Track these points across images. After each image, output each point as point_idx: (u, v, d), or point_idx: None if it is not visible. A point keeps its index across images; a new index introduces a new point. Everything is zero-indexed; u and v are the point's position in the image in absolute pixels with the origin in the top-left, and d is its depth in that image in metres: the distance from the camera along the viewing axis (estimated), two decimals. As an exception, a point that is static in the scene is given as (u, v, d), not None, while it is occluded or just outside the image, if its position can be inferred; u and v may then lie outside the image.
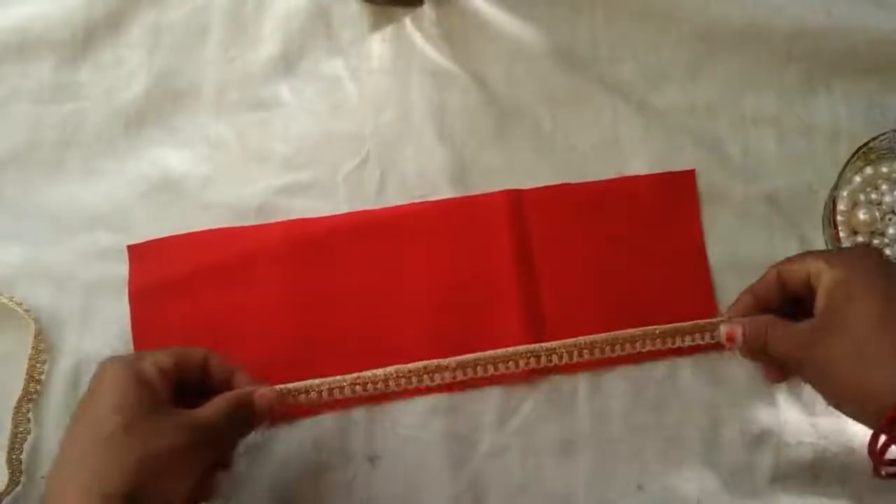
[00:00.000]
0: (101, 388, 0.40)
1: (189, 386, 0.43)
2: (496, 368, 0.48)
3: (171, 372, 0.42)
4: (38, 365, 0.49)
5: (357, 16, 0.54)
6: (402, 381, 0.48)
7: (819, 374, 0.44)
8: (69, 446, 0.39)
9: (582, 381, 0.51)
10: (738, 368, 0.51)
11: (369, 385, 0.47)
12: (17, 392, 0.48)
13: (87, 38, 0.53)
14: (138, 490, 0.37)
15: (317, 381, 0.47)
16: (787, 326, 0.45)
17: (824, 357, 0.42)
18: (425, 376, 0.48)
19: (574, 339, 0.49)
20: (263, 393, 0.44)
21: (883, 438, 0.40)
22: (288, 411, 0.49)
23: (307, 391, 0.46)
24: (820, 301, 0.44)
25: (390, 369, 0.47)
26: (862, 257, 0.44)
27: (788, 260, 0.47)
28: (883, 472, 0.41)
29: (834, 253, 0.46)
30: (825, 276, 0.44)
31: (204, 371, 0.44)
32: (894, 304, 0.41)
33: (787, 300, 0.47)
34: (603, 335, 0.49)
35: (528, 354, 0.49)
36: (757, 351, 0.47)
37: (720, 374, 0.51)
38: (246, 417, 0.43)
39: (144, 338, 0.50)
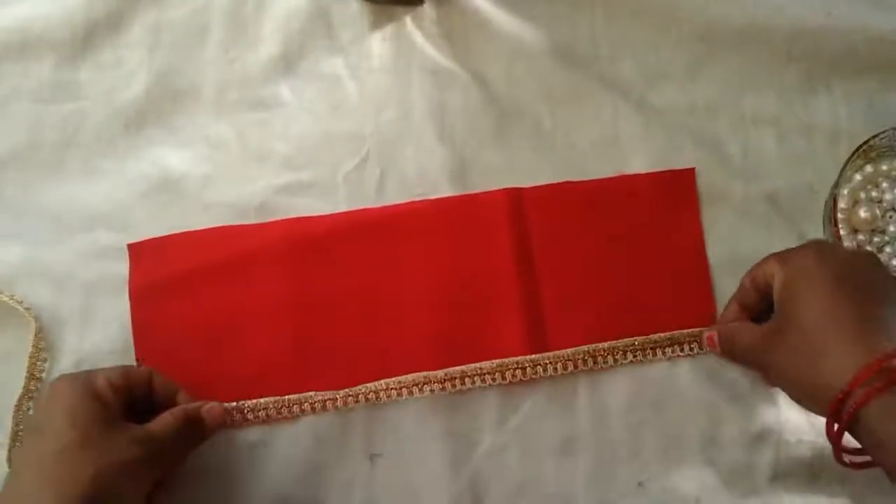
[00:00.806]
0: (56, 403, 0.41)
1: (137, 403, 0.44)
2: (483, 380, 0.50)
3: (122, 388, 0.43)
4: (38, 363, 0.49)
5: (357, 15, 0.54)
6: (394, 392, 0.49)
7: (779, 372, 0.45)
8: (25, 459, 0.40)
9: (581, 381, 0.51)
10: (738, 368, 0.51)
11: (360, 397, 0.49)
12: (17, 390, 0.48)
13: (88, 38, 0.53)
14: (93, 502, 0.38)
15: (311, 393, 0.49)
16: (751, 330, 0.46)
17: (781, 355, 0.44)
18: (415, 388, 0.49)
19: (561, 352, 0.50)
20: (212, 407, 0.46)
21: (836, 426, 0.41)
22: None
23: (300, 403, 0.49)
24: (775, 301, 0.45)
25: (381, 382, 0.49)
26: (809, 251, 0.45)
27: (756, 265, 0.48)
28: (847, 461, 0.42)
29: (787, 252, 0.47)
30: (777, 277, 0.45)
31: (150, 389, 0.45)
32: (840, 291, 0.42)
33: (769, 304, 0.47)
34: (586, 346, 0.50)
35: (515, 366, 0.50)
36: (732, 356, 0.48)
37: (720, 374, 0.51)
38: (194, 432, 0.45)
39: (144, 336, 0.50)
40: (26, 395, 0.48)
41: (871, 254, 0.47)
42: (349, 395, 0.49)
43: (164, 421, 0.43)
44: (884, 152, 0.52)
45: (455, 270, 0.51)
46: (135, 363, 0.49)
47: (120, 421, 0.42)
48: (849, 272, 0.43)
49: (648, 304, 0.51)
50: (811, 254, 0.45)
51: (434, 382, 0.50)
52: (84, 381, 0.42)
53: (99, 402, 0.41)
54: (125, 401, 0.43)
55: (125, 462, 0.40)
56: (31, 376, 0.49)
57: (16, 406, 0.48)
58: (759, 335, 0.46)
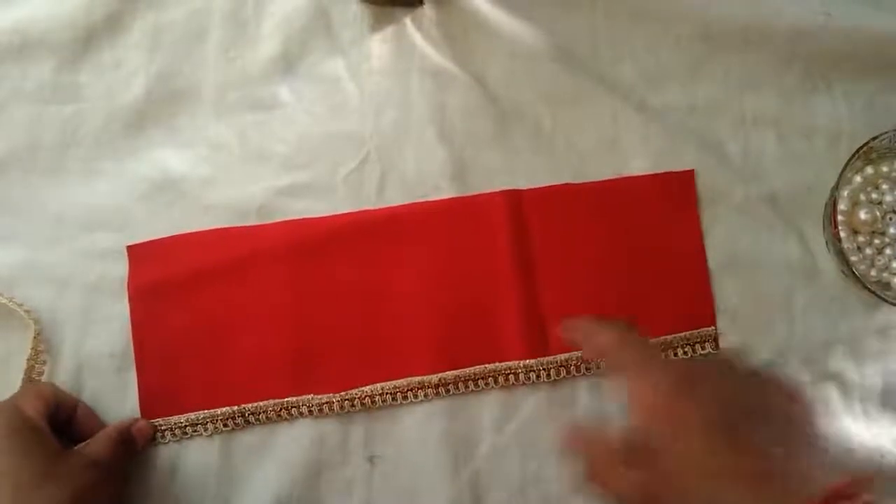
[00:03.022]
0: None
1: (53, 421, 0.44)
2: (477, 385, 0.50)
3: (46, 412, 0.43)
4: (36, 366, 0.49)
5: (357, 16, 0.54)
6: (389, 397, 0.50)
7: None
8: None
9: (582, 382, 0.51)
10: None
11: (357, 401, 0.49)
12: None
13: (88, 40, 0.53)
14: None
15: (309, 396, 0.49)
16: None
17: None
18: (410, 393, 0.50)
19: (555, 357, 0.50)
20: (141, 426, 0.47)
21: None
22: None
23: (298, 406, 0.49)
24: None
25: (377, 386, 0.50)
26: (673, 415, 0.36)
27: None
28: None
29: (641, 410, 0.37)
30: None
31: (56, 404, 0.45)
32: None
33: None
34: (580, 352, 0.50)
35: (509, 371, 0.50)
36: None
37: (720, 375, 0.51)
38: (128, 450, 0.46)
39: (144, 338, 0.50)
40: (23, 396, 0.48)
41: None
42: (346, 399, 0.49)
43: (101, 442, 0.44)
44: (884, 154, 0.52)
45: (455, 272, 0.51)
46: (134, 365, 0.49)
47: (60, 448, 0.42)
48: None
49: (648, 306, 0.51)
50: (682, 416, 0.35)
51: (429, 388, 0.50)
52: (14, 413, 0.42)
53: (37, 432, 0.41)
54: (51, 424, 0.43)
55: (81, 489, 0.40)
56: (29, 378, 0.49)
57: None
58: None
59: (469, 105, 0.53)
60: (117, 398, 0.49)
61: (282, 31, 0.54)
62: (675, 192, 0.53)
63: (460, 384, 0.50)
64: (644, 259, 0.52)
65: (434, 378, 0.50)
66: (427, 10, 0.54)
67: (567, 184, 0.52)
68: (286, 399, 0.49)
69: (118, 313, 0.50)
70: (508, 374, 0.50)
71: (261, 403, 0.49)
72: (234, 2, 0.54)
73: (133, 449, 0.47)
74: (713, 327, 0.51)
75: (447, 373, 0.50)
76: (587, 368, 0.50)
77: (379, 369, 0.50)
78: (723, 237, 0.53)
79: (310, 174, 0.52)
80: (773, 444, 0.34)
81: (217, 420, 0.49)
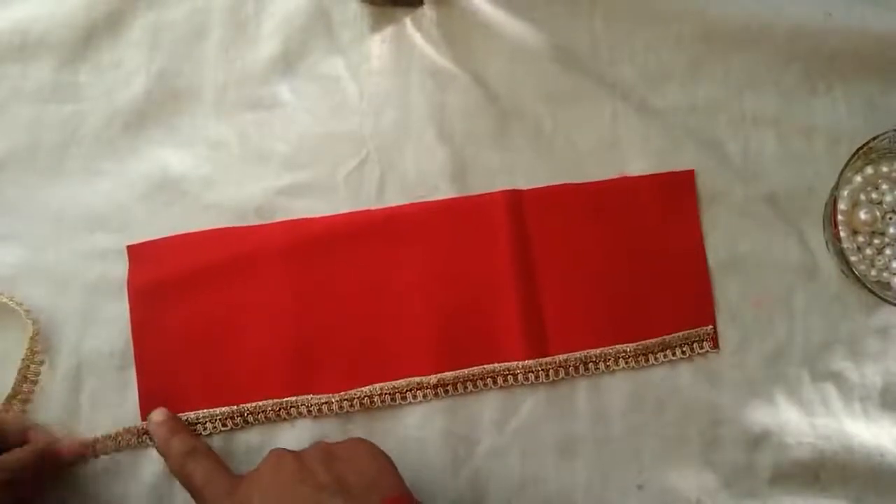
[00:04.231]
0: None
1: None
2: (475, 385, 0.50)
3: None
4: (32, 366, 0.49)
5: (357, 16, 0.54)
6: (388, 397, 0.50)
7: None
8: None
9: (582, 382, 0.51)
10: (738, 369, 0.51)
11: (356, 402, 0.49)
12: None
13: (88, 39, 0.53)
14: None
15: (308, 396, 0.49)
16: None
17: None
18: (408, 393, 0.50)
19: (553, 358, 0.50)
20: (70, 445, 0.48)
21: None
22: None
23: (297, 406, 0.49)
24: None
25: (375, 387, 0.49)
26: None
27: None
28: None
29: None
30: None
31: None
32: None
33: None
34: (578, 353, 0.50)
35: (507, 372, 0.50)
36: None
37: (720, 375, 0.51)
38: (48, 465, 0.47)
39: (144, 338, 0.50)
40: (15, 395, 0.48)
41: None
42: (345, 399, 0.49)
43: (16, 453, 0.45)
44: (884, 154, 0.52)
45: (454, 272, 0.51)
46: (135, 368, 0.49)
47: None
48: None
49: (648, 306, 0.51)
50: None
51: (428, 388, 0.50)
52: None
53: None
54: None
55: None
56: (24, 378, 0.48)
57: (3, 406, 0.48)
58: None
59: (469, 105, 0.53)
60: (117, 397, 0.49)
61: (282, 30, 0.54)
62: (676, 192, 0.53)
63: (459, 385, 0.50)
64: (644, 258, 0.52)
65: (433, 378, 0.50)
66: (427, 10, 0.54)
67: (567, 184, 0.52)
68: (285, 399, 0.49)
69: (118, 313, 0.50)
70: (507, 374, 0.50)
71: (260, 403, 0.49)
72: (235, 1, 0.54)
73: (55, 465, 0.47)
74: (711, 326, 0.51)
75: (446, 373, 0.50)
76: (586, 369, 0.51)
77: (378, 369, 0.50)
78: (723, 237, 0.53)
79: (310, 174, 0.52)
80: None
81: (216, 420, 0.49)
